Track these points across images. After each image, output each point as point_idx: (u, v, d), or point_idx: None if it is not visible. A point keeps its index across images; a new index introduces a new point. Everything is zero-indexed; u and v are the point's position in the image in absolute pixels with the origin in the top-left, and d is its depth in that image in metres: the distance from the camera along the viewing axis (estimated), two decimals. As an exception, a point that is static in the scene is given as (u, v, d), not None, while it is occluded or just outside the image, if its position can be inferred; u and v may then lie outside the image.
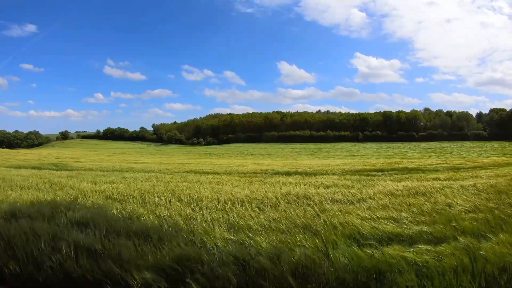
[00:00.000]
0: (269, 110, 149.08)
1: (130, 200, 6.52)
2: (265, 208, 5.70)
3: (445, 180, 9.62)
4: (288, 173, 13.63)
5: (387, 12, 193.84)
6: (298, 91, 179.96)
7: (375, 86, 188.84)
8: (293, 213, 5.17)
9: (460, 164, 16.62)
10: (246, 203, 6.06)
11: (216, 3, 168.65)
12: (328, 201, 6.25)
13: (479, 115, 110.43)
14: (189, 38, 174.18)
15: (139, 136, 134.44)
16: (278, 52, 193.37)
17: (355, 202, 6.14)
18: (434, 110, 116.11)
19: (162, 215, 5.18)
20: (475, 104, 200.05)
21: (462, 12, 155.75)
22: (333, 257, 3.19)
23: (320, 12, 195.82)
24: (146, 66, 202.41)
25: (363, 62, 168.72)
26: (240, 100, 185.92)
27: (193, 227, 4.43)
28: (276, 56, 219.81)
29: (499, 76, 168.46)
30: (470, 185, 7.78)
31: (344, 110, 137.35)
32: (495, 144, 78.63)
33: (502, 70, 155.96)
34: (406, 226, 4.25)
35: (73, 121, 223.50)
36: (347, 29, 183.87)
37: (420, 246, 3.44)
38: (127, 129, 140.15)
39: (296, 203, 6.10)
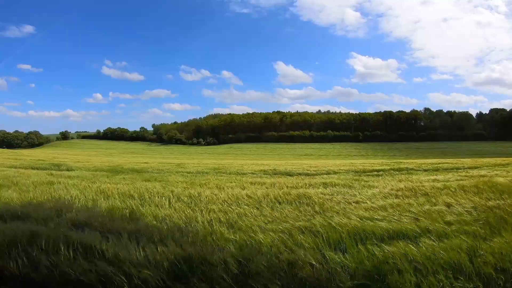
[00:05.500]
0: (268, 110, 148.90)
1: (130, 200, 6.51)
2: (265, 208, 5.69)
3: (445, 180, 9.59)
4: (288, 173, 13.61)
5: (383, 11, 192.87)
6: (296, 91, 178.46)
7: (373, 86, 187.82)
8: (293, 213, 5.16)
9: (461, 164, 16.60)
10: (246, 203, 6.05)
11: (212, 3, 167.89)
12: (328, 201, 6.23)
13: (479, 115, 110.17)
14: (185, 38, 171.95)
15: (139, 136, 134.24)
16: (275, 52, 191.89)
17: (355, 203, 6.12)
18: (434, 110, 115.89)
19: (162, 215, 5.16)
20: (473, 104, 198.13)
21: (458, 11, 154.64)
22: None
23: (315, 12, 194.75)
24: (144, 66, 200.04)
25: (360, 62, 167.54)
26: (238, 100, 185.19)
27: (193, 227, 4.42)
28: (272, 56, 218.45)
29: (497, 75, 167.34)
30: (471, 185, 7.76)
31: (343, 110, 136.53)
32: (495, 144, 78.52)
33: (500, 69, 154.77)
34: (406, 226, 4.24)
35: (72, 121, 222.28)
36: (344, 29, 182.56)
37: (422, 241, 3.47)
38: (127, 129, 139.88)
39: (297, 203, 6.09)
